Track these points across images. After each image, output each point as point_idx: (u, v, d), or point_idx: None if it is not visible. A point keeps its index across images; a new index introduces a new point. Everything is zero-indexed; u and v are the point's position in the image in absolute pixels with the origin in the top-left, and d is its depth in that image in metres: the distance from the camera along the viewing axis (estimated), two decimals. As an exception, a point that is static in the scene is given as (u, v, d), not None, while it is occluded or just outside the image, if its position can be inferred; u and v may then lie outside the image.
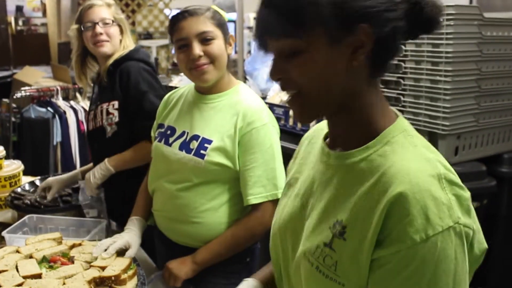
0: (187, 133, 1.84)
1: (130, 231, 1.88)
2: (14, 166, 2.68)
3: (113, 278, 1.59)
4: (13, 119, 4.81)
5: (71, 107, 4.66)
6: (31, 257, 1.73)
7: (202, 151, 1.77)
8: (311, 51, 0.97)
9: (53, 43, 7.82)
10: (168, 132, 1.90)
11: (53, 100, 4.67)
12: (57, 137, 4.55)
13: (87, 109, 4.66)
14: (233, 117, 1.78)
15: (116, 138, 2.33)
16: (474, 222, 0.98)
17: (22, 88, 4.80)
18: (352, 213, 0.99)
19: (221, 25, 1.81)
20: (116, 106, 2.32)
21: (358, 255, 0.97)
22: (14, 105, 4.85)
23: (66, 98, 4.75)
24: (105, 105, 2.35)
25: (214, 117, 1.82)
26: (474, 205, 1.02)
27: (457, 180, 0.98)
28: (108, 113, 2.34)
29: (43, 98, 4.68)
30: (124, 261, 1.68)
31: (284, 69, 1.01)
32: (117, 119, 2.32)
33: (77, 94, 4.82)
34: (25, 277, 1.58)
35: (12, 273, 1.60)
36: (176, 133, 1.87)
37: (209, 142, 1.78)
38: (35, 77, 5.51)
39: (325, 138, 1.16)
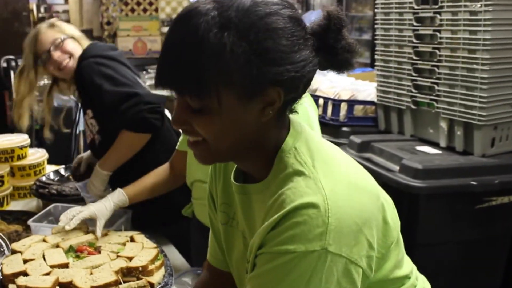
0: None
1: (104, 201, 1.95)
2: (39, 154, 2.72)
3: (140, 268, 1.61)
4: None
5: (94, 94, 4.69)
6: (57, 246, 1.75)
7: None
8: (218, 111, 0.97)
9: (75, 30, 7.90)
10: None
11: (76, 87, 4.71)
12: (80, 126, 4.59)
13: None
14: None
15: (104, 146, 2.26)
16: (367, 252, 0.98)
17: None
18: (251, 245, 1.04)
19: None
20: (91, 114, 2.30)
21: None
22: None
23: (89, 86, 4.78)
24: (86, 117, 2.33)
25: None
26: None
27: (352, 207, 0.97)
28: (88, 125, 2.32)
29: (66, 86, 4.72)
30: (151, 252, 1.70)
31: (188, 121, 1.00)
32: (97, 128, 2.29)
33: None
34: (52, 266, 1.61)
35: (39, 262, 1.63)
36: None
37: None
38: (58, 65, 5.57)
39: (225, 166, 1.22)
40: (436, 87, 2.76)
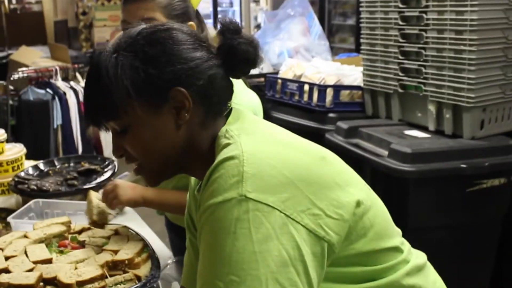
0: None
1: None
2: (16, 149, 2.69)
3: (126, 261, 1.61)
4: (10, 102, 4.83)
5: (71, 87, 4.68)
6: (41, 241, 1.75)
7: None
8: (136, 126, 1.09)
9: (48, 21, 7.82)
10: None
11: (52, 81, 4.69)
12: (57, 120, 4.58)
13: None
14: None
15: None
16: (311, 201, 0.99)
17: (19, 69, 4.83)
18: None
19: (174, 16, 1.75)
20: None
21: None
22: (11, 87, 4.88)
23: (65, 79, 4.78)
24: None
25: None
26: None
27: (273, 158, 1.01)
28: None
29: (42, 79, 4.71)
30: (137, 245, 1.69)
31: (122, 146, 1.13)
32: None
33: (77, 74, 4.84)
34: (35, 262, 1.60)
35: (21, 258, 1.62)
36: None
37: None
38: (32, 58, 5.53)
39: (193, 192, 1.29)
40: (424, 70, 2.79)
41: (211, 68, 1.11)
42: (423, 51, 2.79)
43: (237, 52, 1.13)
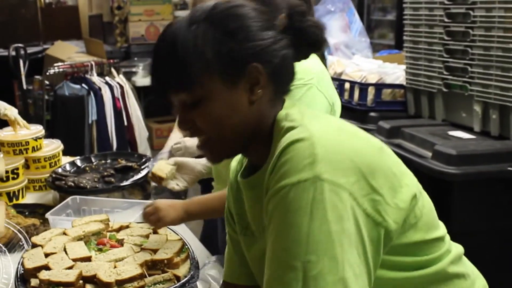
0: None
1: None
2: (54, 146, 2.75)
3: (165, 261, 1.63)
4: (46, 97, 4.92)
5: (106, 83, 4.74)
6: (79, 239, 1.78)
7: None
8: (210, 100, 1.10)
9: (83, 16, 7.93)
10: None
11: (87, 76, 4.76)
12: (92, 115, 4.64)
13: (123, 85, 4.78)
14: None
15: None
16: (372, 188, 1.02)
17: (55, 64, 4.90)
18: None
19: None
20: None
21: None
22: (47, 82, 4.96)
23: (101, 74, 4.83)
24: None
25: None
26: None
27: (340, 143, 1.04)
28: None
29: (77, 74, 4.78)
30: (176, 244, 1.71)
31: (190, 119, 1.13)
32: None
33: (112, 70, 4.90)
34: (74, 260, 1.63)
35: (61, 255, 1.66)
36: None
37: None
38: (68, 52, 5.61)
39: (236, 176, 1.30)
40: (470, 69, 2.75)
41: (283, 48, 1.13)
42: (469, 49, 2.75)
43: (306, 34, 1.15)
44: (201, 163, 2.12)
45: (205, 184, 2.27)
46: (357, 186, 1.01)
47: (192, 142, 2.22)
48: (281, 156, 1.03)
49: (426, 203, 1.16)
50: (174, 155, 2.32)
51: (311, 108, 1.68)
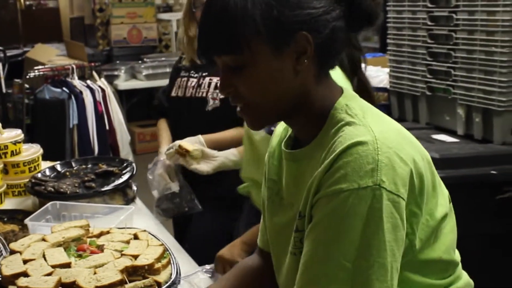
0: None
1: None
2: (33, 150, 2.73)
3: (146, 267, 1.63)
4: (26, 100, 4.89)
5: (88, 86, 4.71)
6: (58, 245, 1.77)
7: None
8: (255, 65, 1.10)
9: (64, 18, 7.91)
10: None
11: (68, 79, 4.72)
12: (73, 120, 4.61)
13: (105, 88, 4.77)
14: None
15: (215, 113, 2.45)
16: (416, 200, 1.07)
17: (35, 68, 4.88)
18: (305, 199, 1.13)
19: None
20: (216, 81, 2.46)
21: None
22: (27, 86, 4.93)
23: (82, 77, 4.80)
24: (215, 79, 2.48)
25: None
26: None
27: (401, 151, 1.06)
28: (216, 87, 2.46)
29: (58, 78, 4.74)
30: (157, 250, 1.71)
31: (232, 84, 1.13)
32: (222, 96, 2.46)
33: (94, 73, 4.88)
34: (54, 266, 1.63)
35: (40, 262, 1.65)
36: None
37: None
38: (48, 55, 5.58)
39: (280, 142, 1.30)
40: (453, 72, 2.78)
41: (335, 19, 1.12)
42: (452, 52, 2.78)
43: (361, 6, 1.13)
44: (225, 156, 2.19)
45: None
46: (408, 196, 1.05)
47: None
48: (343, 156, 1.04)
49: (450, 223, 1.19)
50: (169, 161, 2.35)
51: None
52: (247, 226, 2.07)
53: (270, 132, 1.83)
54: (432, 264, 1.14)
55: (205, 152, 2.18)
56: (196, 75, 2.57)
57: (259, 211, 1.98)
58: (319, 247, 1.05)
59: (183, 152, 2.12)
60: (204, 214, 2.44)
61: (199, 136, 2.37)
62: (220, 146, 2.37)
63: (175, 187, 2.35)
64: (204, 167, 2.16)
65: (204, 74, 2.54)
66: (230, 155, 2.19)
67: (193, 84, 2.55)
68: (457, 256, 1.23)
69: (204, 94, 2.50)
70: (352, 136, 1.06)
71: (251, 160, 2.00)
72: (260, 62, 1.10)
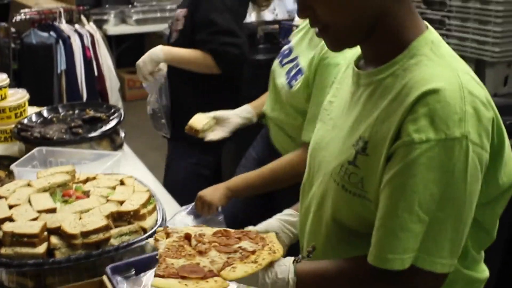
0: None
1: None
2: (19, 95, 2.72)
3: (131, 213, 1.65)
4: (12, 45, 4.82)
5: (76, 31, 4.65)
6: (44, 190, 1.79)
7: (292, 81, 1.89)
8: None
9: (52, -41, 7.74)
10: None
11: (56, 23, 4.66)
12: (61, 65, 4.57)
13: (94, 33, 4.72)
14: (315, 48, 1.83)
15: (176, 45, 2.56)
16: (498, 147, 1.08)
17: (22, 11, 4.79)
18: (374, 127, 1.10)
19: None
20: (184, 13, 2.55)
21: (380, 169, 1.07)
22: (13, 30, 4.86)
23: (70, 22, 4.73)
24: (179, 11, 2.59)
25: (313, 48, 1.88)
26: None
27: (484, 97, 1.06)
28: (177, 19, 2.59)
29: (45, 22, 4.67)
30: (142, 196, 1.73)
31: (310, 6, 1.11)
32: (180, 27, 2.54)
33: (82, 17, 4.81)
34: (39, 211, 1.65)
35: (25, 207, 1.67)
36: None
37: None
38: (35, -2, 5.49)
39: (357, 60, 1.25)
40: (447, 21, 2.77)
41: None
42: (447, 1, 2.76)
43: None
44: (239, 115, 2.18)
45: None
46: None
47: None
48: (428, 101, 1.01)
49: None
50: None
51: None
52: (253, 159, 2.14)
53: (291, 86, 1.85)
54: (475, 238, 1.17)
55: (217, 117, 2.17)
56: (178, 9, 2.67)
57: (269, 146, 2.05)
58: (400, 200, 1.04)
59: (193, 133, 2.12)
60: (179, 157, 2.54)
61: (161, 48, 2.48)
62: (178, 62, 2.51)
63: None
64: (219, 133, 2.16)
65: (179, 6, 2.65)
66: (243, 112, 2.19)
67: (176, 18, 2.64)
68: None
69: (179, 27, 2.58)
70: (437, 78, 1.04)
71: (273, 100, 2.02)
72: None
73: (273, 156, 1.95)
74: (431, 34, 1.13)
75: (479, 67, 2.68)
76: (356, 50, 1.26)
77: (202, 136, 2.13)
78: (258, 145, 2.20)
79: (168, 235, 1.24)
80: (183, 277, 1.08)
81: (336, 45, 1.18)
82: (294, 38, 2.02)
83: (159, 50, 2.48)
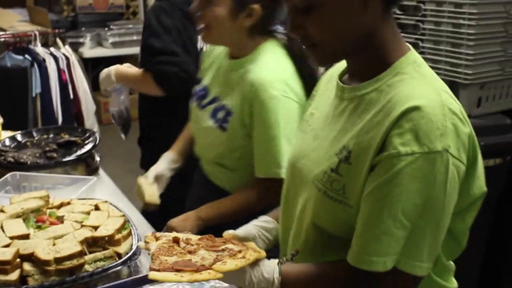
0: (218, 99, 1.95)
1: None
2: (-8, 119, 2.70)
3: (106, 238, 1.64)
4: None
5: (51, 54, 4.65)
6: (17, 216, 1.77)
7: (224, 124, 1.89)
8: (323, 5, 1.13)
9: (27, -18, 7.73)
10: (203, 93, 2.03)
11: (31, 46, 4.65)
12: (36, 88, 4.55)
13: (69, 56, 4.71)
14: (243, 88, 1.85)
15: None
16: (473, 161, 1.16)
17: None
18: (358, 138, 1.17)
19: None
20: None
21: (363, 177, 1.14)
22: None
23: (45, 45, 4.73)
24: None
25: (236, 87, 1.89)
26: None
27: (460, 114, 1.13)
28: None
29: (20, 45, 4.67)
30: (117, 221, 1.73)
31: (302, 25, 1.18)
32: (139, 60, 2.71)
33: (58, 40, 4.81)
34: (12, 238, 1.63)
35: (-3, 233, 1.65)
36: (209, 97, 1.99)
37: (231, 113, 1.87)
38: (10, 21, 5.47)
39: (341, 75, 1.32)
40: (420, 44, 2.81)
41: None
42: (420, 24, 2.80)
43: None
44: (169, 168, 2.17)
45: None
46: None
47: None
48: (413, 117, 1.09)
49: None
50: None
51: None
52: (197, 199, 2.09)
53: (224, 128, 1.86)
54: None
55: (156, 178, 2.16)
56: None
57: (207, 183, 2.02)
58: (385, 207, 1.11)
59: (153, 207, 2.11)
60: None
61: (115, 68, 2.61)
62: (127, 82, 2.63)
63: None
64: (158, 194, 2.14)
65: None
66: (171, 164, 2.18)
67: None
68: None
69: None
70: (421, 94, 1.11)
71: (205, 143, 2.03)
72: (328, 2, 1.13)
73: (217, 195, 1.96)
74: (413, 55, 1.21)
75: (453, 89, 2.69)
76: (340, 65, 1.34)
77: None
78: (198, 185, 2.18)
79: (157, 238, 1.29)
80: (178, 270, 1.13)
81: (324, 61, 1.29)
82: (205, 77, 2.05)
83: (113, 70, 2.57)
